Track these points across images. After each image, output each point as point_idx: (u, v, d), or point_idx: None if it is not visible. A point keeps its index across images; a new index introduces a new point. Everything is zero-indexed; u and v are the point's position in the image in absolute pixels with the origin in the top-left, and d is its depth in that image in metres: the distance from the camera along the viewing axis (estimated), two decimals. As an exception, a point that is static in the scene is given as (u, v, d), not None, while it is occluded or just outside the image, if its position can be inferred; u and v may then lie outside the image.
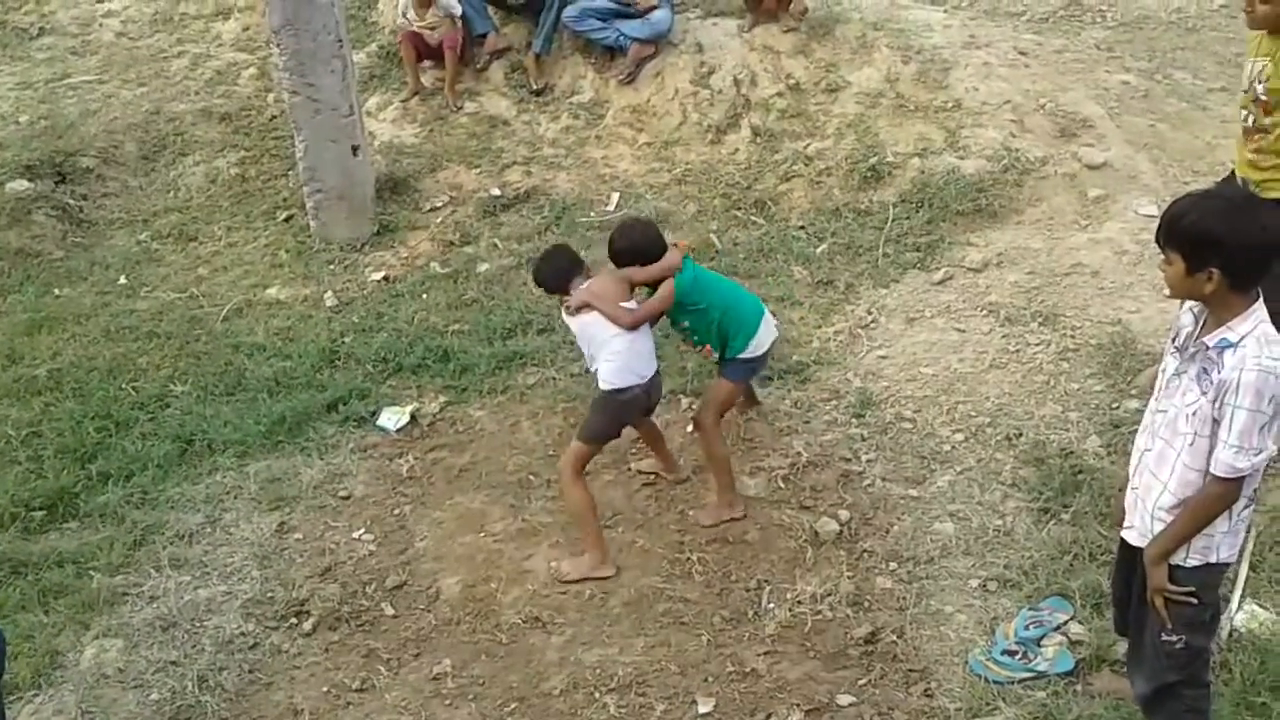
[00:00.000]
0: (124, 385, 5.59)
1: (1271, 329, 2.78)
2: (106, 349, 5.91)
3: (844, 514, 4.47)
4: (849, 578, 4.18)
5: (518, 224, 6.89)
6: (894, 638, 3.90)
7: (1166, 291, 2.94)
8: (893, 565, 4.22)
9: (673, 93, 7.60)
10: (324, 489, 4.86)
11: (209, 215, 7.24)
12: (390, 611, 4.23)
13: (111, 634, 4.13)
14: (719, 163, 7.23)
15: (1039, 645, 3.74)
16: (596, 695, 3.82)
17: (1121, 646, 3.68)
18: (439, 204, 7.10)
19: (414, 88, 7.84)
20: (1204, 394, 2.80)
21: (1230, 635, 3.69)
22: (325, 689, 3.90)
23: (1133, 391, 4.88)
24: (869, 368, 5.37)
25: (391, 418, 5.25)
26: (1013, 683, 3.66)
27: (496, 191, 7.13)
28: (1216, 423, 2.78)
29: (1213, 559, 2.93)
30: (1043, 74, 7.38)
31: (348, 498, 4.82)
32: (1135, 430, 4.49)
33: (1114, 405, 4.85)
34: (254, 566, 4.44)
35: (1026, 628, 3.81)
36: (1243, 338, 2.76)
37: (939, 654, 3.84)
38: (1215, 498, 2.84)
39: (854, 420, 5.01)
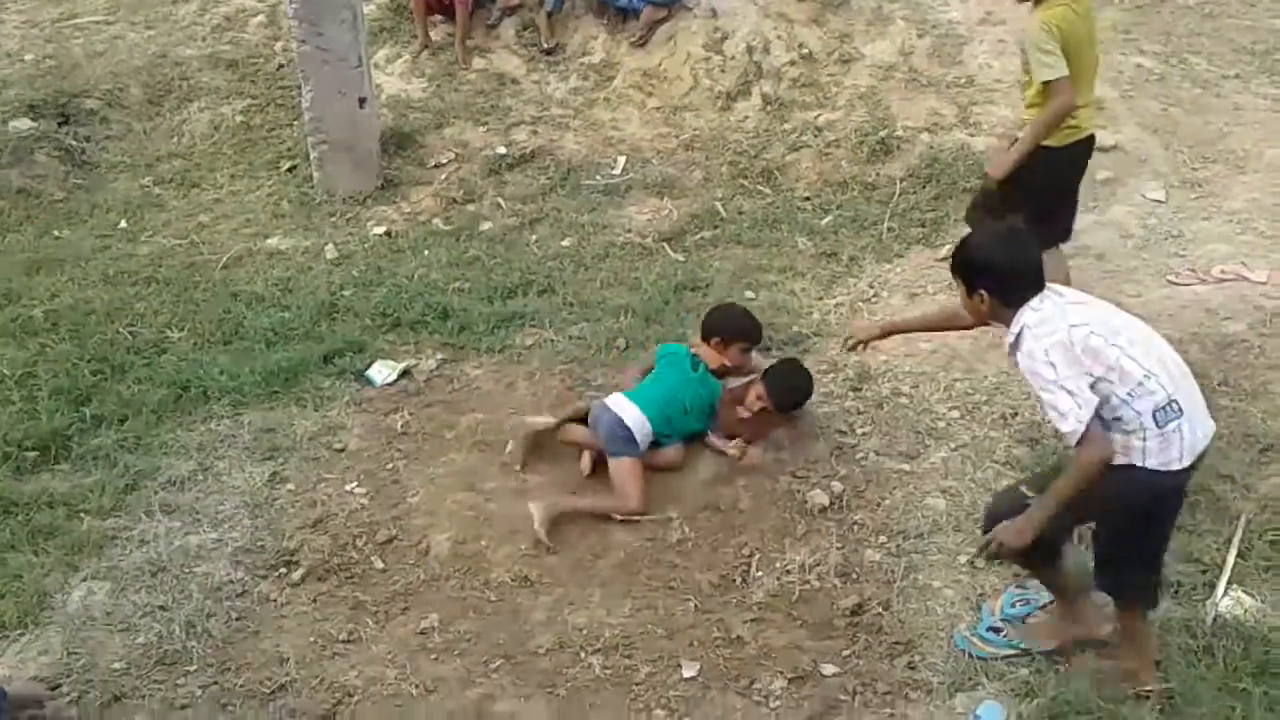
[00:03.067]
0: (121, 329, 5.58)
1: (1035, 314, 3.21)
2: (104, 292, 5.90)
3: (836, 486, 4.47)
4: (838, 549, 4.18)
5: (522, 184, 6.87)
6: (880, 610, 3.91)
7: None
8: (882, 538, 4.22)
9: (684, 57, 7.55)
10: (318, 441, 4.85)
11: (212, 162, 7.21)
12: (379, 565, 4.24)
13: (100, 577, 4.13)
14: (728, 130, 7.19)
15: (1024, 623, 3.75)
16: (582, 655, 3.83)
17: (1106, 626, 3.70)
18: (444, 160, 7.07)
19: (424, 42, 7.79)
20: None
21: (1215, 621, 3.69)
22: (312, 639, 3.91)
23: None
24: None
25: (381, 372, 5.24)
26: (997, 659, 3.67)
27: (502, 150, 7.10)
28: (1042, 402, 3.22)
29: (1136, 461, 3.20)
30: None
31: (341, 450, 4.82)
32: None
33: (1112, 388, 4.83)
34: (245, 515, 4.44)
35: (1013, 605, 3.81)
36: (1017, 337, 3.23)
37: (924, 627, 3.84)
38: (1085, 462, 3.14)
39: (851, 393, 5.01)
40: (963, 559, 4.08)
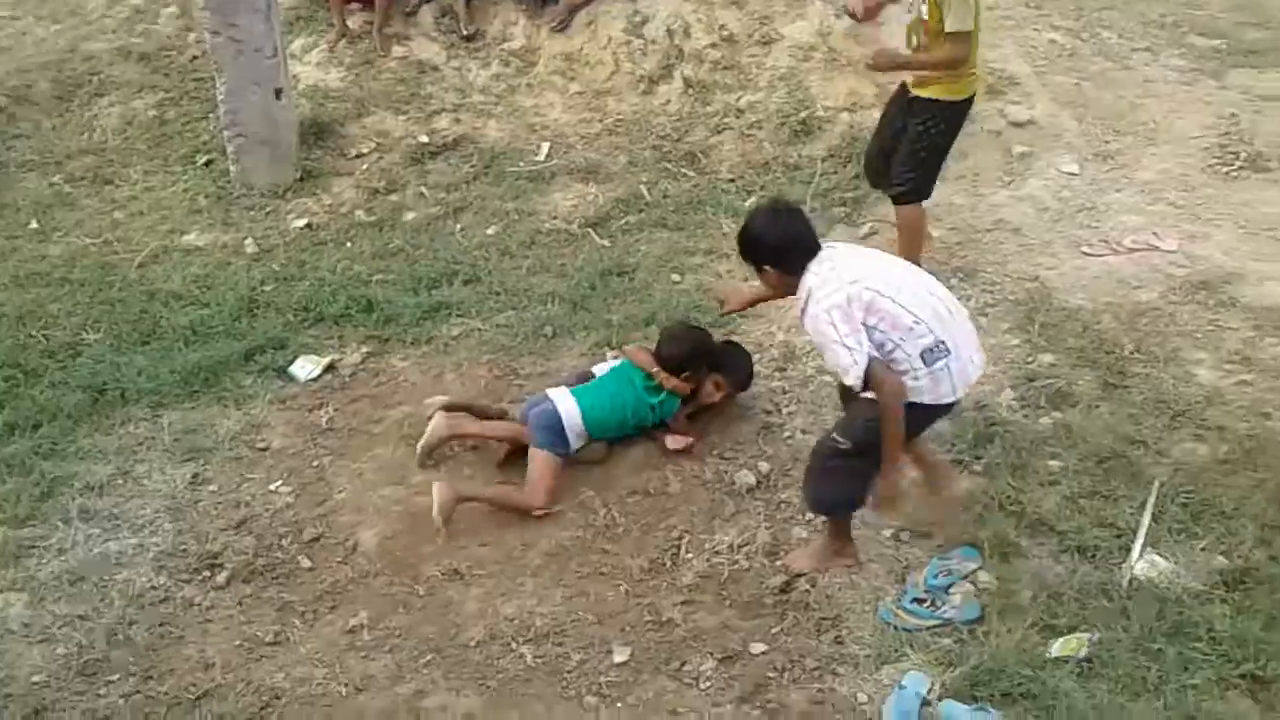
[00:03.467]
0: (34, 333, 5.46)
1: (816, 278, 3.59)
2: (15, 295, 5.76)
3: (764, 465, 4.51)
4: (766, 528, 4.22)
5: (445, 172, 6.81)
6: (808, 587, 3.96)
7: None
8: (809, 516, 4.25)
9: (605, 41, 7.51)
10: (240, 440, 4.79)
11: (125, 158, 7.04)
12: (306, 564, 4.20)
13: (17, 588, 4.05)
14: (650, 113, 7.18)
15: (948, 593, 3.82)
16: (514, 645, 3.83)
17: (1026, 594, 3.79)
18: (365, 150, 6.98)
19: (341, 30, 7.67)
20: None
21: (1131, 584, 3.80)
22: (238, 642, 3.87)
23: (1044, 344, 4.98)
24: (792, 322, 5.35)
25: (304, 367, 5.18)
26: (921, 630, 3.74)
27: (424, 139, 7.03)
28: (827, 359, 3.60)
29: (913, 399, 3.58)
30: (972, 30, 7.40)
31: (265, 449, 4.76)
32: (1048, 383, 4.65)
33: (1029, 359, 4.93)
34: (166, 519, 4.38)
35: (936, 576, 3.88)
36: (805, 302, 3.58)
37: (851, 602, 3.90)
38: (887, 396, 3.53)
39: (777, 373, 5.05)
40: (886, 533, 4.14)
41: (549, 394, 4.62)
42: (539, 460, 4.47)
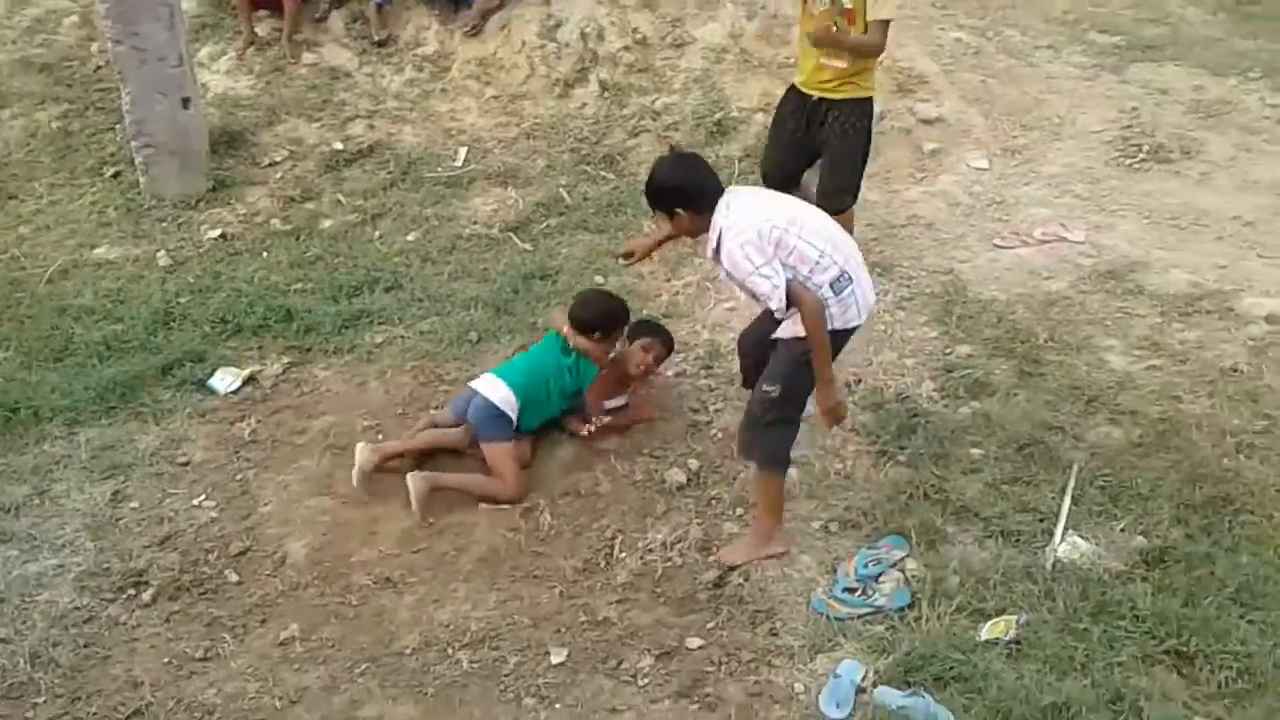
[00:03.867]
0: (-60, 353, 5.28)
1: (727, 217, 3.79)
2: (-81, 315, 5.57)
3: (693, 463, 4.54)
4: (698, 524, 4.26)
5: (362, 179, 6.74)
6: (741, 581, 4.00)
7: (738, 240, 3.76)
8: (739, 511, 4.31)
9: (519, 45, 7.51)
10: (161, 455, 4.69)
11: (29, 171, 6.85)
12: (234, 578, 4.13)
13: (-67, 613, 3.92)
14: (567, 117, 7.19)
15: (878, 582, 3.89)
16: (449, 651, 3.81)
17: (954, 579, 3.87)
18: (278, 159, 6.88)
19: (249, 38, 7.55)
20: (737, 287, 3.94)
21: (1054, 566, 3.90)
22: (166, 660, 3.78)
23: (961, 336, 5.10)
24: (717, 320, 5.45)
25: (223, 380, 5.09)
26: (853, 618, 3.80)
27: (339, 146, 6.95)
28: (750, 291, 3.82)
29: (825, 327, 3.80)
30: (881, 30, 7.55)
31: (186, 464, 4.66)
32: (966, 374, 4.77)
33: (947, 351, 5.04)
34: (87, 538, 4.26)
35: (866, 565, 3.95)
36: (718, 241, 3.81)
37: (784, 594, 3.95)
38: (809, 315, 3.74)
39: (703, 371, 5.09)
40: (815, 525, 4.21)
41: (473, 385, 4.64)
42: (495, 452, 4.48)
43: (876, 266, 5.63)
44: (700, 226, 3.90)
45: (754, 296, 3.85)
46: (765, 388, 3.97)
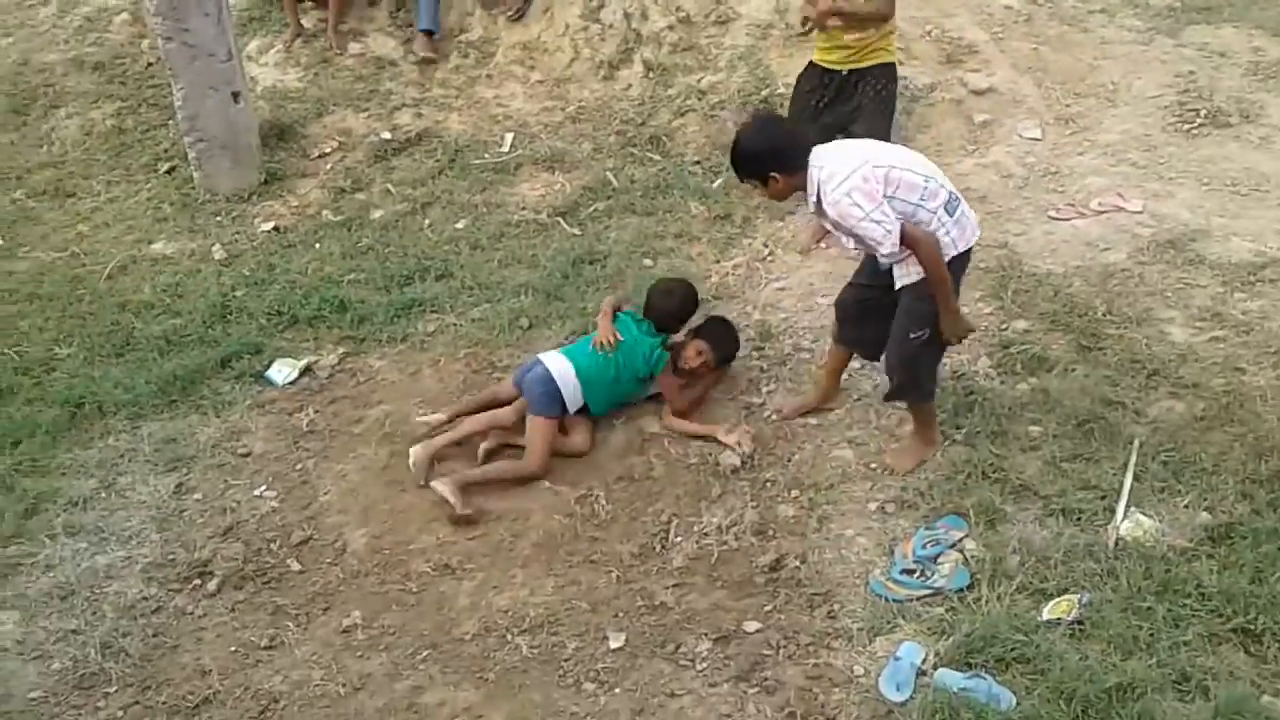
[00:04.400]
0: (5, 350, 5.39)
1: (822, 170, 3.83)
2: (-15, 314, 5.70)
3: (745, 447, 4.53)
4: (753, 507, 4.25)
5: (410, 168, 6.78)
6: (797, 563, 3.99)
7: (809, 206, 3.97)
8: (794, 493, 4.30)
9: (563, 28, 7.49)
10: (222, 447, 4.77)
11: (86, 169, 6.97)
12: (296, 567, 4.19)
13: (7, 606, 4.01)
14: (613, 99, 7.16)
15: (936, 563, 3.86)
16: (509, 637, 3.84)
17: (1014, 559, 3.83)
18: (328, 150, 6.93)
19: (295, 30, 7.61)
20: (844, 236, 3.96)
21: (1117, 545, 3.84)
22: (233, 648, 3.86)
23: (1017, 311, 5.03)
24: (767, 300, 5.42)
25: (281, 371, 5.16)
26: (912, 600, 3.77)
27: (387, 135, 6.99)
28: (860, 238, 3.87)
29: (948, 253, 3.91)
30: (928, 1, 7.43)
31: (247, 455, 4.74)
32: (1023, 349, 4.70)
33: (1003, 327, 4.97)
34: (153, 529, 4.35)
35: (924, 546, 3.92)
36: (818, 195, 3.85)
37: (841, 576, 3.93)
38: (926, 256, 3.83)
39: (754, 353, 5.07)
40: (872, 506, 4.18)
41: (539, 357, 4.68)
42: (534, 426, 4.53)
43: (929, 242, 5.57)
44: (796, 186, 3.92)
45: (864, 244, 3.89)
46: (912, 334, 4.06)
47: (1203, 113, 6.49)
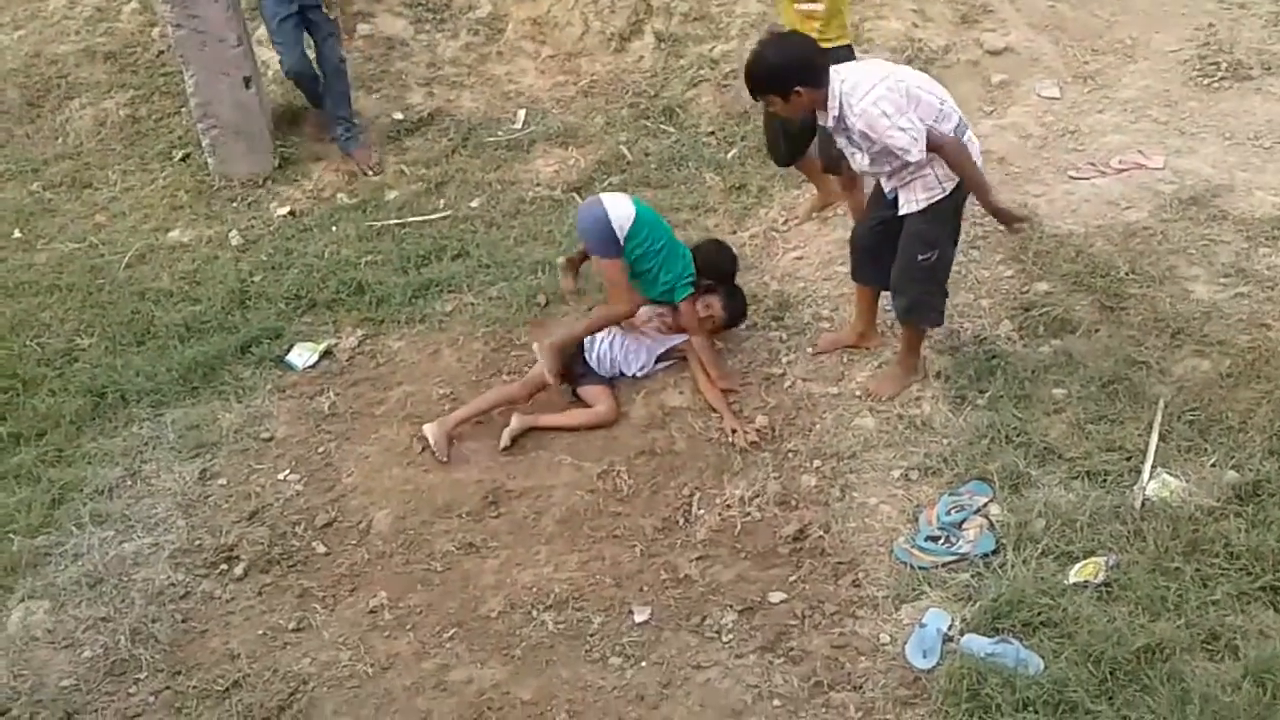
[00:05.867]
0: (28, 342, 5.42)
1: (844, 83, 3.90)
2: (6, 306, 5.72)
3: (763, 420, 4.50)
4: (775, 478, 4.24)
5: (424, 148, 6.76)
6: (821, 533, 3.98)
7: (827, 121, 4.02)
8: (817, 463, 4.28)
9: (572, 2, 7.44)
10: (245, 432, 4.79)
11: (102, 160, 6.98)
12: (322, 549, 4.21)
13: (37, 595, 4.05)
14: (625, 72, 7.12)
15: (961, 529, 3.84)
16: (534, 614, 3.85)
17: (1039, 523, 3.80)
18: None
19: (305, 13, 7.56)
20: (865, 149, 4.00)
21: (1143, 505, 3.81)
22: (261, 632, 3.88)
23: (1039, 273, 4.98)
24: (785, 269, 5.39)
25: (301, 355, 5.17)
26: (937, 567, 3.76)
27: (399, 116, 6.97)
28: (887, 149, 3.91)
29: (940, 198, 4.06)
30: (942, -39, 7.34)
31: (270, 439, 4.76)
32: (1045, 311, 4.65)
33: (1024, 289, 4.93)
34: (179, 516, 4.38)
35: (948, 512, 3.90)
36: (840, 108, 3.91)
37: (865, 545, 3.92)
38: (954, 155, 3.93)
39: (773, 323, 5.04)
40: (895, 474, 4.16)
41: (601, 198, 4.78)
42: (608, 269, 4.70)
43: (947, 206, 5.52)
44: (819, 101, 3.95)
45: (885, 158, 3.95)
46: (920, 257, 4.15)
47: (1223, 66, 6.39)
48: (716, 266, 4.90)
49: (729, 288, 4.92)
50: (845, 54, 4.93)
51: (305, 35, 6.45)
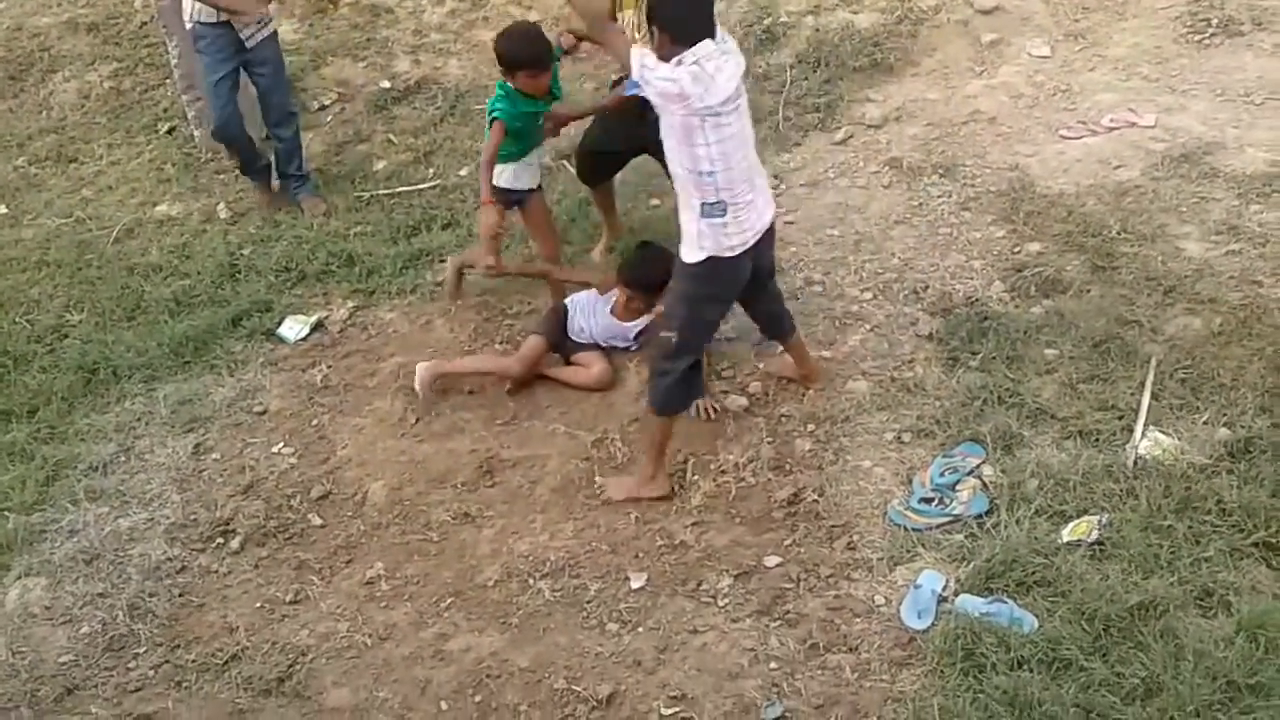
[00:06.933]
0: (17, 319, 5.41)
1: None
2: (-7, 283, 5.71)
3: (756, 385, 4.50)
4: (769, 443, 4.24)
5: (411, 117, 6.70)
6: (815, 497, 3.99)
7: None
8: (810, 427, 4.28)
9: (558, -34, 7.36)
10: (237, 406, 4.78)
11: (87, 133, 6.92)
12: (318, 522, 4.22)
13: (34, 572, 4.07)
14: (612, 36, 7.04)
15: (954, 490, 3.86)
16: (531, 582, 3.87)
17: (1032, 483, 3.82)
18: (327, 102, 6.86)
19: (288, -19, 7.46)
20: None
21: (1136, 464, 3.83)
22: (258, 604, 3.90)
23: (1030, 233, 4.97)
24: (776, 234, 5.35)
25: (292, 328, 5.16)
26: (931, 528, 3.78)
27: (386, 84, 6.91)
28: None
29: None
30: (931, -81, 7.27)
31: (263, 413, 4.75)
32: (1037, 272, 4.63)
33: (1015, 250, 4.92)
34: (173, 490, 4.38)
35: (942, 474, 3.91)
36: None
37: (859, 508, 3.94)
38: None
39: (765, 287, 5.02)
40: (889, 436, 4.17)
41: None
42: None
43: (939, 167, 5.52)
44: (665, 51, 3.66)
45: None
46: (664, 335, 4.00)
47: (1214, 22, 6.34)
48: (643, 280, 4.62)
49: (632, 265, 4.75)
50: None
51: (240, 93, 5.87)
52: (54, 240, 6.05)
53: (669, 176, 4.06)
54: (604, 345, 4.76)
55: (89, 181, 6.56)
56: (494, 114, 4.52)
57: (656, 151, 4.46)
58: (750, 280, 3.98)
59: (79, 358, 5.07)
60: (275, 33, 5.83)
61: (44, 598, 3.97)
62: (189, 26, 5.66)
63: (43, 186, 6.56)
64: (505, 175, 4.70)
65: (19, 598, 3.97)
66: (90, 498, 4.36)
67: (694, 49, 3.59)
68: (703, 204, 3.71)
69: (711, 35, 3.66)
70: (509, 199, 4.78)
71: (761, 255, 3.97)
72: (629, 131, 4.77)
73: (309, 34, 7.26)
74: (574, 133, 6.32)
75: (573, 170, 6.07)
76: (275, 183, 6.14)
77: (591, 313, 4.76)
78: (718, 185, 3.68)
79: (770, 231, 3.98)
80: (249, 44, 5.65)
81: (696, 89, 3.57)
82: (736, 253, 3.79)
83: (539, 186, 4.92)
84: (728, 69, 3.65)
